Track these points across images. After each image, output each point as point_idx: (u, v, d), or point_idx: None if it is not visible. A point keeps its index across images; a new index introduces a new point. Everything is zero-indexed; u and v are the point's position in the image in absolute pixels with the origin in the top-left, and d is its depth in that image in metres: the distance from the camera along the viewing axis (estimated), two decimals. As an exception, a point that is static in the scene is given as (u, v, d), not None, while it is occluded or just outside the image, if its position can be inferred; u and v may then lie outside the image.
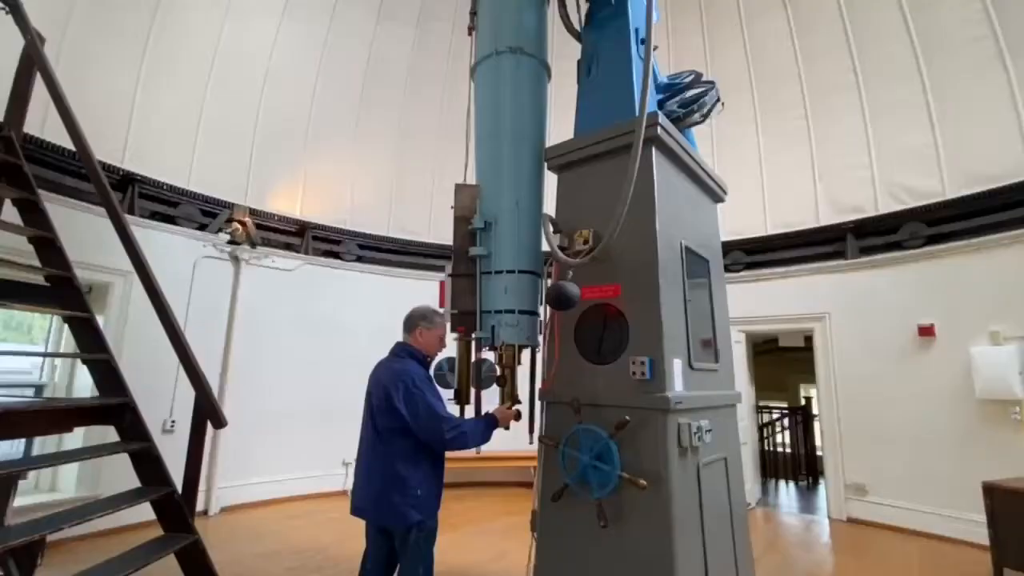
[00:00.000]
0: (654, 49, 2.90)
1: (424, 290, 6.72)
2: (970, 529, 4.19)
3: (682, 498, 2.10)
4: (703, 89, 3.11)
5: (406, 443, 2.27)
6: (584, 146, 2.59)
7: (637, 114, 2.52)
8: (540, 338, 2.76)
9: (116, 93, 4.78)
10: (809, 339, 6.29)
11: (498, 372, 2.81)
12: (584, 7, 2.94)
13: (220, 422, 2.83)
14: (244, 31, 5.66)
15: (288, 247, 6.11)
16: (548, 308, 2.51)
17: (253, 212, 5.67)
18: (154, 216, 4.99)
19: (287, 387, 5.61)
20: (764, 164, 6.39)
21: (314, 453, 5.72)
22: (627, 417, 2.10)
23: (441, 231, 7.11)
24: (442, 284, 2.86)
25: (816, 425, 7.72)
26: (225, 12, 5.48)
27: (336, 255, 6.42)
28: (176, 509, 2.69)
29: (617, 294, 2.34)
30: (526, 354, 2.84)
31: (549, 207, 2.86)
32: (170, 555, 2.51)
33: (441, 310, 2.69)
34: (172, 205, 5.14)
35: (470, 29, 3.12)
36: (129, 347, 4.34)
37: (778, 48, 6.16)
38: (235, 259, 5.33)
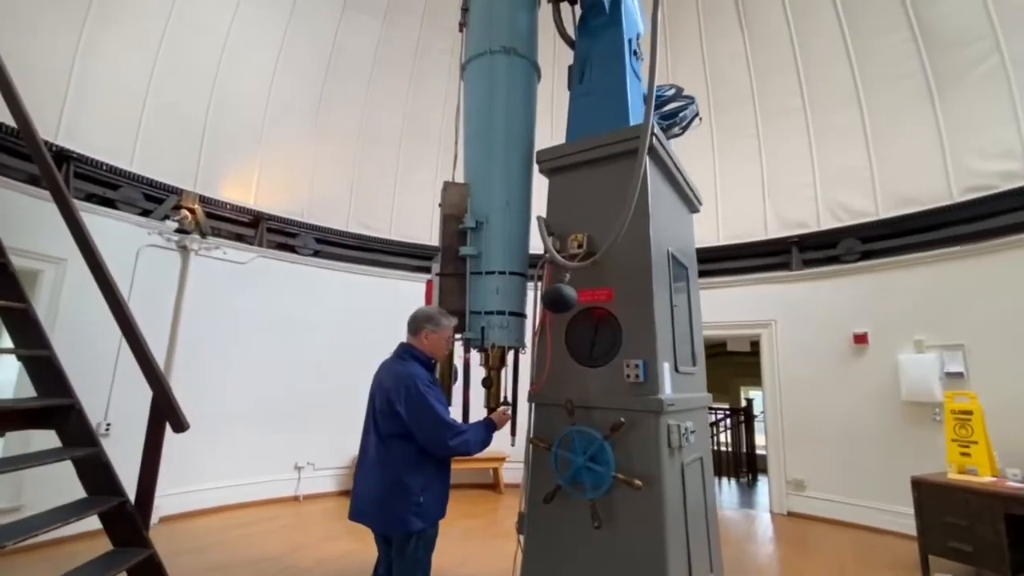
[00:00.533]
0: (639, 60, 3.00)
1: (384, 288, 6.60)
2: (898, 520, 4.60)
3: (672, 497, 2.17)
4: (683, 103, 3.25)
5: (409, 448, 2.20)
6: (578, 151, 2.61)
7: (631, 123, 2.61)
8: (527, 340, 2.76)
9: (51, 60, 4.31)
10: (754, 344, 6.70)
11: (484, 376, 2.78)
12: (578, 13, 2.98)
13: (181, 425, 2.62)
14: (200, 6, 5.28)
15: (239, 238, 5.74)
16: (540, 310, 2.53)
17: (203, 200, 5.30)
18: (91, 198, 4.54)
19: (235, 387, 5.27)
20: (718, 178, 6.72)
21: (263, 457, 5.41)
22: (622, 419, 2.14)
23: (404, 229, 6.97)
24: (429, 283, 2.79)
25: (757, 425, 8.23)
26: (179, -17, 5.10)
27: (292, 248, 6.12)
28: (129, 521, 2.46)
29: (610, 298, 2.38)
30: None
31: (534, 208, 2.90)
32: (122, 572, 2.30)
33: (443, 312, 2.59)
34: (112, 187, 4.69)
35: (461, 26, 3.07)
36: (59, 342, 3.89)
37: (734, 70, 6.52)
38: (183, 249, 4.94)
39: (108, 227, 4.47)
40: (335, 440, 5.91)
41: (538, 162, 2.77)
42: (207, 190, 5.40)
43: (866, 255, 5.65)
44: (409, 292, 6.69)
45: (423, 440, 2.21)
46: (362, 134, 6.77)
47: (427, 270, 7.18)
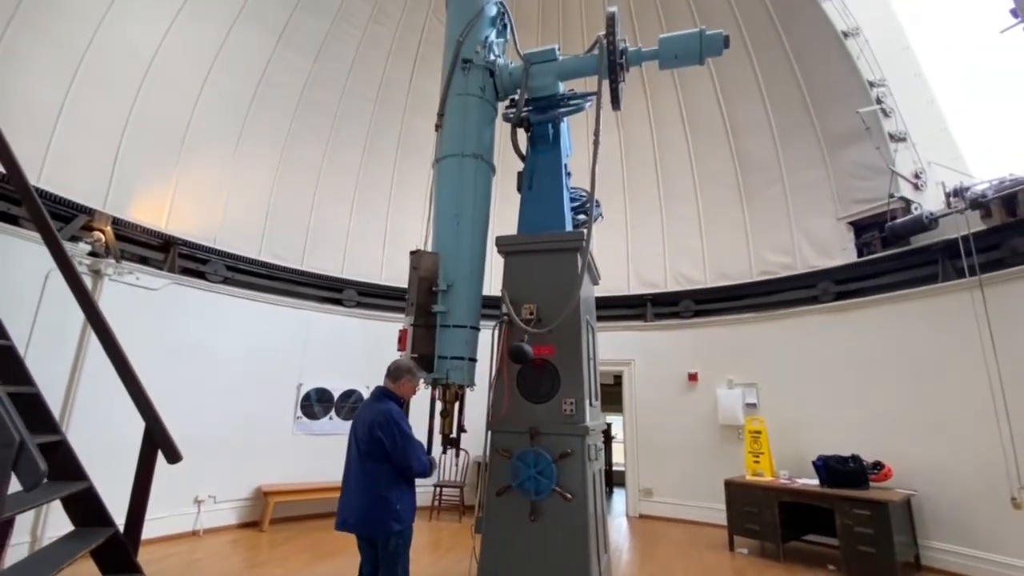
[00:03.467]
0: (568, 176, 4.10)
1: (295, 318, 6.75)
2: (714, 515, 6.18)
3: (591, 495, 3.13)
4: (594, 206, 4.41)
5: (388, 468, 2.79)
6: (530, 242, 3.57)
7: (566, 227, 3.65)
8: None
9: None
10: (616, 378, 8.21)
11: (441, 407, 3.51)
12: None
13: (175, 455, 2.87)
14: (130, 16, 5.20)
15: (144, 261, 5.52)
16: (497, 359, 3.36)
17: (114, 221, 5.09)
18: (-11, 214, 4.21)
19: (137, 417, 5.04)
20: (596, 245, 8.23)
21: (162, 491, 5.15)
22: (570, 450, 3.06)
23: (316, 260, 7.20)
24: (403, 331, 3.42)
25: (614, 445, 9.80)
26: (114, -6, 5.01)
27: (202, 275, 6.01)
28: (119, 548, 2.64)
29: (552, 353, 3.32)
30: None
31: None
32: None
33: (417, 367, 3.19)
34: (15, 203, 4.36)
35: (437, 127, 3.85)
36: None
37: (610, 161, 8.13)
38: (96, 273, 4.71)
39: (12, 247, 4.20)
40: (238, 472, 5.86)
41: (497, 245, 3.64)
42: (117, 211, 5.19)
43: (698, 313, 7.49)
44: (320, 324, 6.95)
45: (395, 460, 2.79)
46: (281, 166, 6.94)
47: (339, 302, 7.53)
